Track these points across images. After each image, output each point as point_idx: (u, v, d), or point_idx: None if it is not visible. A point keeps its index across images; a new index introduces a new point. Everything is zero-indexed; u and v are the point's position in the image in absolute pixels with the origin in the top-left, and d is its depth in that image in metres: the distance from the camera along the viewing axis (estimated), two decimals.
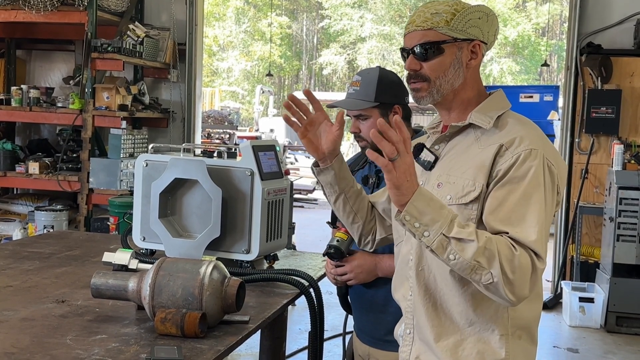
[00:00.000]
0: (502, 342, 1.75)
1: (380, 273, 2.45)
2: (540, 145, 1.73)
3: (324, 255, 2.43)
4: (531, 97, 10.18)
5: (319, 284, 2.55)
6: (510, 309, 1.74)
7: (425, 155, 1.87)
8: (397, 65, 37.59)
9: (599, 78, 6.77)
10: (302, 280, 2.46)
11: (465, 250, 1.59)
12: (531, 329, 1.82)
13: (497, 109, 1.83)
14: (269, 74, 20.20)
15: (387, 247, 2.43)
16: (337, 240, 2.38)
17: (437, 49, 1.79)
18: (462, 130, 1.85)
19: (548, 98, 9.79)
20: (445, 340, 1.79)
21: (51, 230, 6.01)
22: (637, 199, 6.10)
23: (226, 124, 18.89)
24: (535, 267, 1.62)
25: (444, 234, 1.60)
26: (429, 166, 1.86)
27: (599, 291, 6.29)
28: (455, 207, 1.74)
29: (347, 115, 2.55)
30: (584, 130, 6.91)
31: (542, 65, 14.55)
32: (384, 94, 2.47)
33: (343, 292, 2.67)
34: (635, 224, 6.10)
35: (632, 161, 6.48)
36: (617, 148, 6.42)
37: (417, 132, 2.59)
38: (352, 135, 2.56)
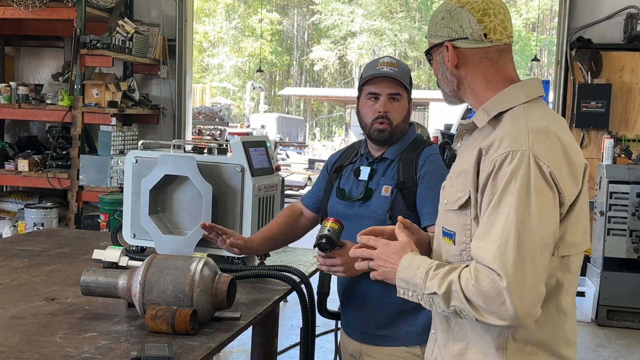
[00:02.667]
0: (500, 355, 1.67)
1: None
2: (524, 144, 1.60)
3: (314, 246, 2.29)
4: None
5: (311, 279, 2.55)
6: None
7: (448, 153, 1.87)
8: None
9: (589, 72, 6.79)
10: (294, 277, 2.45)
11: (440, 302, 1.62)
12: (553, 345, 1.69)
13: (504, 104, 1.71)
14: (260, 70, 20.17)
15: None
16: (329, 230, 2.23)
17: (429, 57, 1.85)
18: (475, 127, 1.78)
19: None
20: (451, 346, 1.77)
21: (41, 227, 5.98)
22: (627, 193, 6.12)
23: (217, 120, 18.85)
24: (500, 287, 1.52)
25: (424, 294, 1.65)
26: (450, 165, 1.85)
27: (590, 285, 6.32)
28: (453, 212, 1.71)
29: (375, 92, 2.45)
30: (574, 124, 6.92)
31: (533, 60, 14.60)
32: (411, 84, 2.52)
33: (321, 298, 2.59)
34: (626, 217, 6.12)
35: (622, 155, 6.51)
36: (607, 142, 6.44)
37: (410, 124, 2.58)
38: (377, 116, 2.44)
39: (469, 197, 1.66)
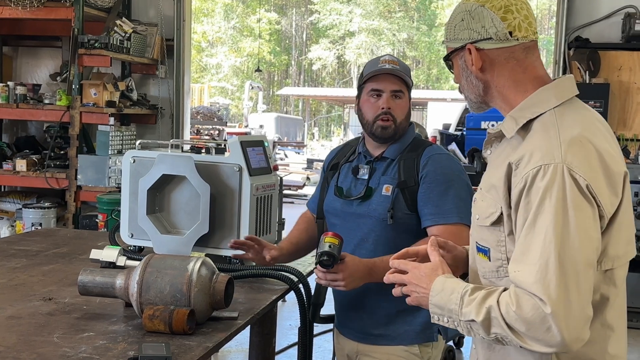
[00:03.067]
0: None
1: (374, 279, 2.28)
2: (557, 156, 1.49)
3: (316, 264, 2.22)
4: None
5: (308, 279, 2.55)
6: None
7: (477, 161, 1.78)
8: None
9: (587, 72, 6.79)
10: (291, 276, 2.45)
11: (479, 329, 1.53)
12: (600, 358, 1.60)
13: (533, 111, 1.60)
14: (258, 70, 20.17)
15: (386, 237, 2.39)
16: (330, 246, 2.17)
17: (449, 63, 1.75)
18: (503, 135, 1.67)
19: None
20: None
21: (39, 227, 5.97)
22: None
23: (215, 120, 18.84)
24: (544, 313, 1.43)
25: (461, 320, 1.56)
26: (480, 173, 1.78)
27: None
28: (486, 228, 1.62)
29: (378, 89, 2.43)
30: None
31: None
32: (411, 81, 2.50)
33: (315, 309, 2.54)
34: None
35: None
36: None
37: (410, 124, 2.56)
38: (380, 113, 2.42)
39: (501, 213, 1.57)
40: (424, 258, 1.76)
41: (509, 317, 1.48)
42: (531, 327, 1.45)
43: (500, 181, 1.56)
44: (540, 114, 1.59)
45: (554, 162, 1.48)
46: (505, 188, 1.56)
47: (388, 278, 1.73)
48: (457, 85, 1.77)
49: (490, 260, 1.63)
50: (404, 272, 1.70)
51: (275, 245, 2.57)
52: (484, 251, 1.65)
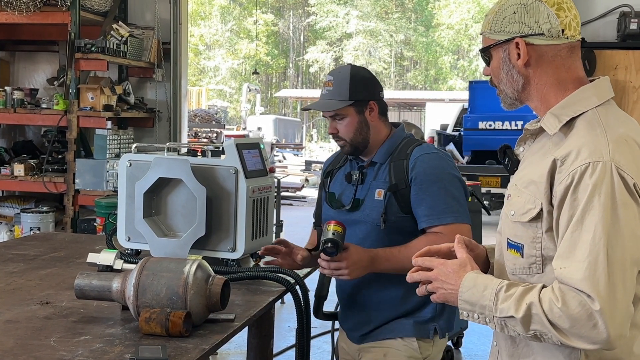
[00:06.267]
0: None
1: (377, 269, 2.33)
2: (605, 154, 1.49)
3: (320, 251, 2.26)
4: None
5: (305, 281, 2.56)
6: None
7: (509, 158, 1.77)
8: (383, 62, 37.68)
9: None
10: (288, 278, 2.46)
11: (516, 326, 1.52)
12: (627, 358, 1.59)
13: (575, 109, 1.60)
14: (256, 72, 20.18)
15: (382, 241, 2.39)
16: (333, 233, 2.19)
17: (488, 55, 1.72)
18: (541, 132, 1.67)
19: None
20: None
21: (37, 232, 5.97)
22: None
23: (213, 122, 18.86)
24: (591, 310, 1.43)
25: (495, 317, 1.55)
26: (512, 171, 1.76)
27: None
28: (521, 224, 1.61)
29: (323, 116, 2.53)
30: None
31: None
32: (357, 91, 2.44)
33: (318, 302, 2.58)
34: None
35: None
36: None
37: (396, 125, 2.57)
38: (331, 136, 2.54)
39: (541, 210, 1.56)
40: (445, 256, 1.75)
41: (552, 314, 1.47)
42: (576, 323, 1.45)
43: (542, 177, 1.56)
44: (583, 112, 1.60)
45: (602, 160, 1.49)
46: (548, 184, 1.55)
47: (412, 277, 1.71)
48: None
49: (523, 257, 1.62)
50: (427, 270, 1.69)
51: (300, 247, 2.60)
52: (516, 247, 1.64)
